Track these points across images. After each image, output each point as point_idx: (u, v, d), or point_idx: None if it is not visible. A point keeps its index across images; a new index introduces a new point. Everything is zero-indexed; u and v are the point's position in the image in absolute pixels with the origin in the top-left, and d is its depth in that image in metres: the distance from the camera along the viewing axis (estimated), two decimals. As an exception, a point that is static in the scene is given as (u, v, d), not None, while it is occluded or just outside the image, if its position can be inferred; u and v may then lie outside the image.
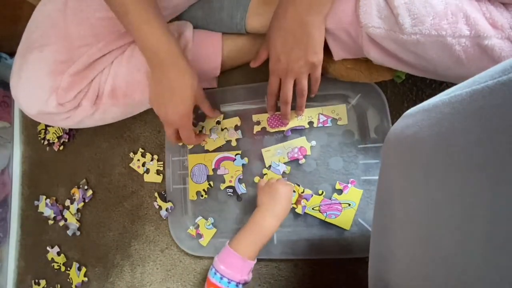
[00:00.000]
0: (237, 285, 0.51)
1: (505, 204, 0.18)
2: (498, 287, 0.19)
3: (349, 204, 0.59)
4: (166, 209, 0.70)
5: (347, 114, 0.62)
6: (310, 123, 0.63)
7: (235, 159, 0.66)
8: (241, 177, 0.66)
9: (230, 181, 0.66)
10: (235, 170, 0.66)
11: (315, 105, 0.63)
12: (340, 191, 0.60)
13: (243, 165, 0.66)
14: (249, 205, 0.65)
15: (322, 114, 0.63)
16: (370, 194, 0.60)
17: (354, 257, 0.59)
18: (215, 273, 0.52)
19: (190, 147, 0.70)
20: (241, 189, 0.66)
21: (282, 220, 0.55)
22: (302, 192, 0.62)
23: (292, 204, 0.60)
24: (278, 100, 0.58)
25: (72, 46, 0.53)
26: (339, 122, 0.62)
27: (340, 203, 0.60)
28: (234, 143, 0.66)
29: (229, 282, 0.51)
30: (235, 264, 0.51)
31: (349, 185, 0.60)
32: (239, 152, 0.66)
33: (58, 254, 0.80)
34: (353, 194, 0.60)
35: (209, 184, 0.68)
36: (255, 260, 0.53)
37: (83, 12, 0.52)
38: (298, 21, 0.46)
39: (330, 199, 0.60)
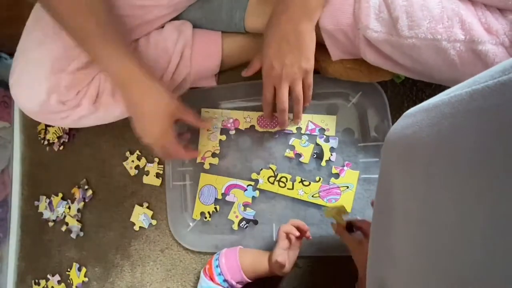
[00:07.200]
0: (224, 280, 0.57)
1: (505, 204, 0.18)
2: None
3: (348, 187, 0.60)
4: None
5: (336, 125, 0.62)
6: (298, 128, 0.63)
7: (246, 189, 0.65)
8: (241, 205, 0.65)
9: (237, 216, 0.65)
10: (243, 200, 0.65)
11: (308, 112, 0.63)
12: (337, 175, 0.61)
13: (253, 197, 0.64)
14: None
15: (311, 121, 0.63)
16: (370, 193, 0.60)
17: (354, 256, 0.59)
18: (216, 259, 0.59)
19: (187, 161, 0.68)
20: (249, 214, 0.64)
21: None
22: (300, 182, 0.62)
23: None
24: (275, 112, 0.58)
25: (71, 45, 0.53)
26: (326, 133, 0.62)
27: (339, 187, 0.60)
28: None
29: (220, 274, 0.57)
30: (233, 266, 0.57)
31: (345, 168, 0.60)
32: (252, 183, 0.65)
33: (59, 283, 0.79)
34: (350, 176, 0.60)
35: (215, 208, 0.67)
36: (246, 278, 0.57)
37: None
38: (291, 29, 0.47)
39: (328, 184, 0.61)
